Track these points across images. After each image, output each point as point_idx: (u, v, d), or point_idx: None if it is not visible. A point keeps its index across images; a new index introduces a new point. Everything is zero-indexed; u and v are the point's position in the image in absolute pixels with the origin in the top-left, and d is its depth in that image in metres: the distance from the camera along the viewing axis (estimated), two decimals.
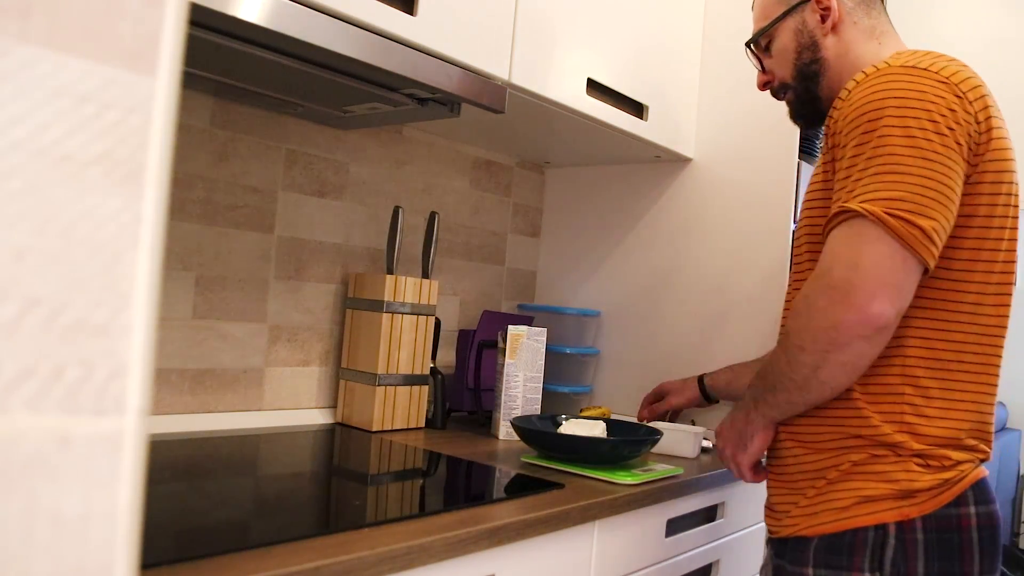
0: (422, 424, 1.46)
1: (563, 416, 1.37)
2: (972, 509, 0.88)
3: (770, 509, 1.04)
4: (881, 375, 0.91)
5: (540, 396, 1.50)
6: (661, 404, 1.51)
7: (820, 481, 0.95)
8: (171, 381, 1.25)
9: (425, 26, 1.11)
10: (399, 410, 1.42)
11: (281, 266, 1.40)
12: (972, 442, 0.91)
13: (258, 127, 1.35)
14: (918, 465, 0.88)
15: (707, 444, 1.49)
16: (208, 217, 1.29)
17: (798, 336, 0.89)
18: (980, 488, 0.90)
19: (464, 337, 1.60)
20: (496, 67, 1.22)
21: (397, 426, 1.41)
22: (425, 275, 1.50)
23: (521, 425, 1.25)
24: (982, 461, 0.92)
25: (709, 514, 1.34)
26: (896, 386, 0.91)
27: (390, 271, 1.45)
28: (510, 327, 1.46)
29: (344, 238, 1.50)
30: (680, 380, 1.53)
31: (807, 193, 1.03)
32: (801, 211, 1.04)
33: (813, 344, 0.87)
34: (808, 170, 1.59)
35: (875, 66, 0.93)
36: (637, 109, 1.55)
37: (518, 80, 1.27)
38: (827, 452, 0.95)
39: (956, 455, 0.89)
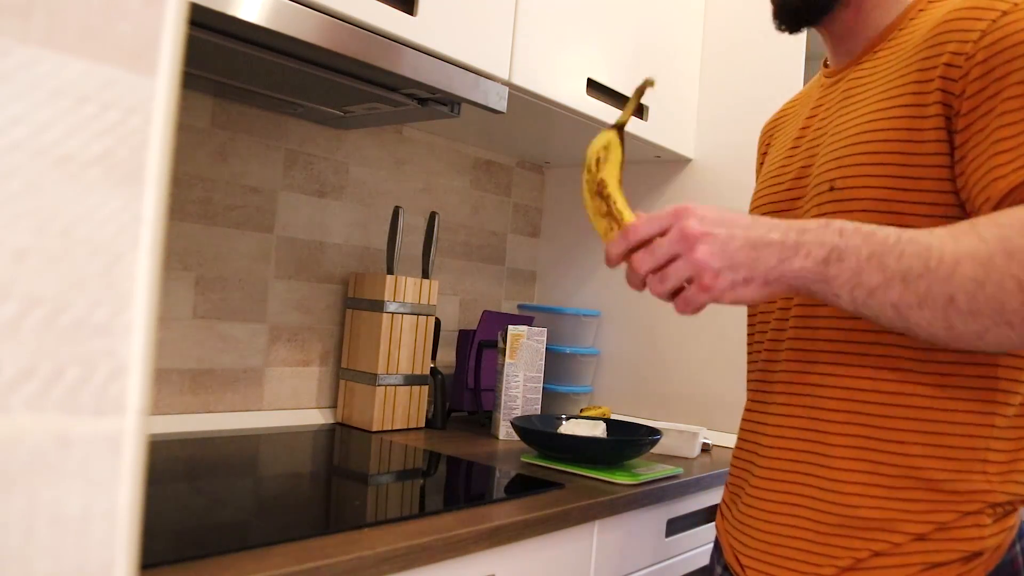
0: (422, 424, 1.46)
1: (563, 416, 1.37)
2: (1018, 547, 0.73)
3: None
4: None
5: (540, 396, 1.50)
6: None
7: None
8: (171, 381, 1.25)
9: (425, 26, 1.11)
10: (399, 410, 1.42)
11: (281, 266, 1.40)
12: None
13: (258, 127, 1.35)
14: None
15: (707, 442, 1.49)
16: (208, 217, 1.29)
17: None
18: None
19: (464, 337, 1.60)
20: (496, 67, 1.22)
21: (397, 426, 1.41)
22: (425, 275, 1.50)
23: (521, 425, 1.25)
24: None
25: (709, 514, 1.34)
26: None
27: (390, 271, 1.45)
28: (510, 327, 1.46)
29: (344, 238, 1.50)
30: None
31: (856, 125, 0.77)
32: (841, 143, 0.77)
33: None
34: None
35: None
36: (637, 109, 1.55)
37: (518, 80, 1.27)
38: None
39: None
